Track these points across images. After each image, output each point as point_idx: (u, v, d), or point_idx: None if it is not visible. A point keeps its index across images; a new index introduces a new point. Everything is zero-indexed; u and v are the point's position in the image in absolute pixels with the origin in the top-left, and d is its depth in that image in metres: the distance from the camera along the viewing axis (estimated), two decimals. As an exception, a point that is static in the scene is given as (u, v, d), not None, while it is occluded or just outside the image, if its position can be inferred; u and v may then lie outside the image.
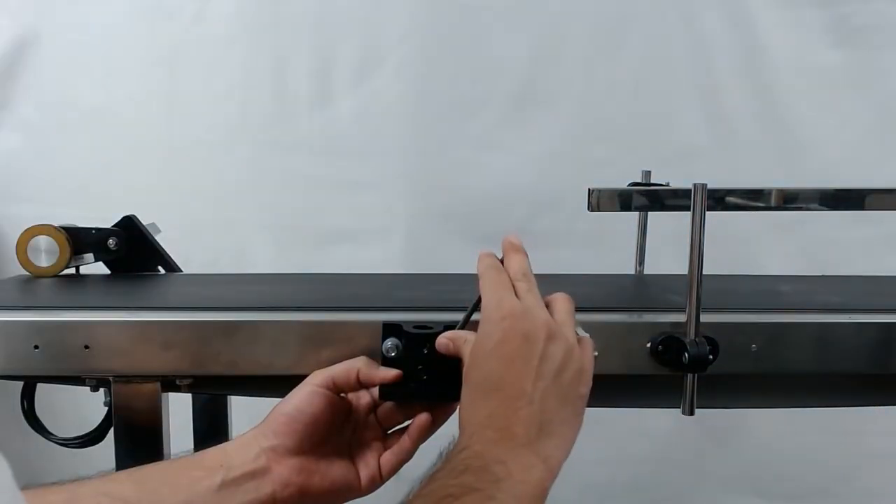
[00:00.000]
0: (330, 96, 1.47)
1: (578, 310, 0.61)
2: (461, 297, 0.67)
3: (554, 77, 1.46)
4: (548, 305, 0.59)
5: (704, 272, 0.63)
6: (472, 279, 0.61)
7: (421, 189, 1.48)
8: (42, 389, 0.73)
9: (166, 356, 0.65)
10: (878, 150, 1.44)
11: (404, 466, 0.63)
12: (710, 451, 1.52)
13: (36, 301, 0.77)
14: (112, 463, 0.65)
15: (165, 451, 0.68)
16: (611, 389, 0.63)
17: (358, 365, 0.62)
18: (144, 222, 0.93)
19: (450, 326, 0.62)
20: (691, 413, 0.64)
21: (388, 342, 0.62)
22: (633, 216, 1.00)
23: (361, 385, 0.62)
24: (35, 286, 0.83)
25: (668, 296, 0.79)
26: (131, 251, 0.91)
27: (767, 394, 0.73)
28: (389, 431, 0.65)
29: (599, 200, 0.68)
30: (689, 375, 0.63)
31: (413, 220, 1.48)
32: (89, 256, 0.89)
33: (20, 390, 0.73)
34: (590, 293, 0.81)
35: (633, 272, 1.00)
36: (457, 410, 0.58)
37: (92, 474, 0.58)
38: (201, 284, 0.88)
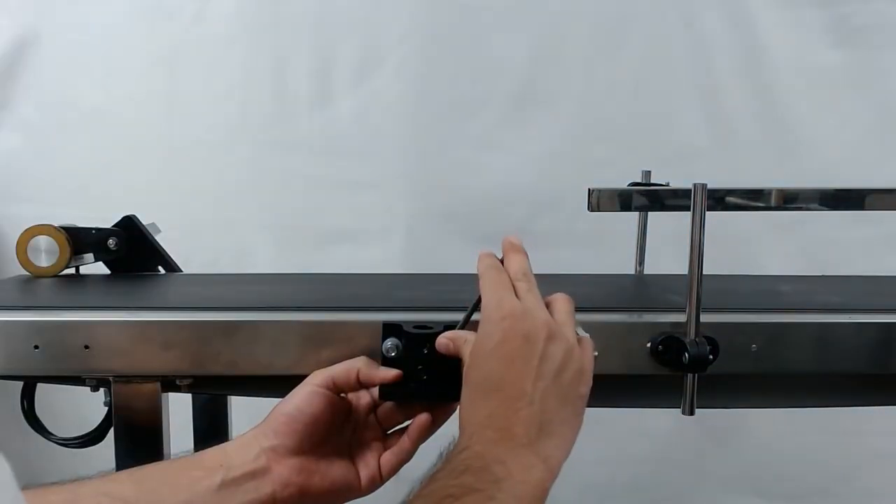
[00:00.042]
0: (330, 96, 1.47)
1: (578, 310, 0.61)
2: (461, 297, 0.67)
3: (554, 77, 1.46)
4: (548, 306, 0.59)
5: (704, 272, 0.63)
6: (472, 279, 0.61)
7: (421, 189, 1.48)
8: (42, 389, 0.73)
9: (166, 356, 0.65)
10: (878, 150, 1.44)
11: (404, 467, 0.63)
12: (710, 451, 1.52)
13: (36, 301, 0.77)
14: (112, 463, 0.65)
15: (165, 451, 0.68)
16: (611, 389, 0.63)
17: (358, 365, 0.62)
18: (144, 222, 0.93)
19: (450, 326, 0.62)
20: (691, 413, 0.64)
21: (388, 342, 0.62)
22: (633, 216, 1.00)
23: (361, 385, 0.62)
24: (35, 286, 0.83)
25: (668, 296, 0.79)
26: (131, 251, 0.91)
27: (767, 394, 0.73)
28: (389, 431, 0.65)
29: (599, 200, 0.68)
30: (689, 375, 0.63)
31: (413, 220, 1.48)
32: (89, 256, 0.89)
33: (20, 390, 0.73)
34: (590, 293, 0.81)
35: (633, 272, 1.00)
36: (457, 411, 0.58)
37: (92, 474, 0.58)
38: (201, 284, 0.88)
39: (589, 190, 0.67)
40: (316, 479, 0.60)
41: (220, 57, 1.46)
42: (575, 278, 0.93)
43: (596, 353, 0.60)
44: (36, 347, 0.64)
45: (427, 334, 0.61)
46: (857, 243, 1.43)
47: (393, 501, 0.55)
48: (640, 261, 1.00)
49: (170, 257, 0.94)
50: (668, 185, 0.80)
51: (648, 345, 0.65)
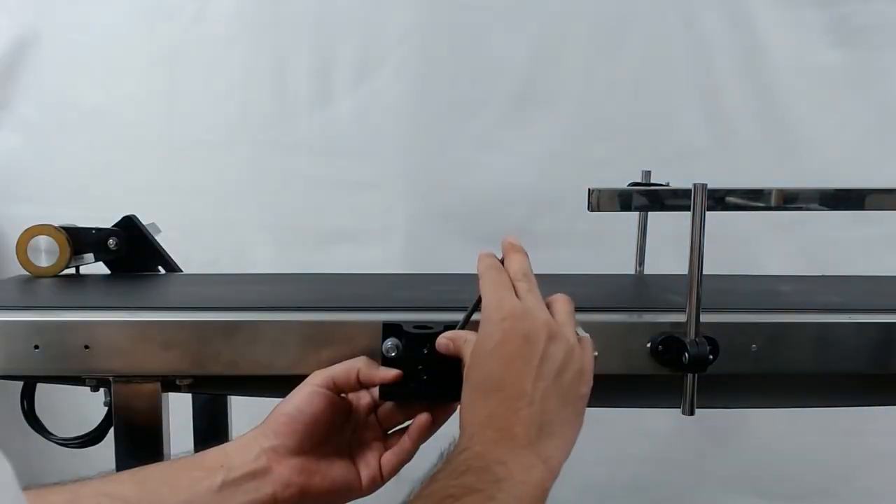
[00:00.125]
0: (330, 96, 1.47)
1: (578, 310, 0.61)
2: (461, 297, 0.67)
3: (554, 77, 1.46)
4: (548, 306, 0.59)
5: (704, 272, 0.63)
6: (472, 279, 0.61)
7: (421, 189, 1.48)
8: (42, 389, 0.73)
9: (166, 356, 0.65)
10: (878, 150, 1.44)
11: (405, 467, 0.63)
12: (710, 451, 1.52)
13: (36, 301, 0.77)
14: (112, 463, 0.65)
15: (165, 451, 0.68)
16: (611, 389, 0.63)
17: (358, 365, 0.62)
18: (144, 222, 0.93)
19: (450, 326, 0.62)
20: (691, 413, 0.64)
21: (388, 342, 0.62)
22: (633, 216, 1.00)
23: (361, 385, 0.62)
24: (35, 286, 0.83)
25: (668, 296, 0.79)
26: (131, 251, 0.91)
27: (767, 394, 0.73)
28: (390, 432, 0.65)
29: (599, 200, 0.68)
30: (689, 375, 0.63)
31: (413, 220, 1.48)
32: (89, 256, 0.89)
33: (20, 390, 0.73)
34: (590, 293, 0.81)
35: (633, 272, 1.00)
36: (457, 411, 0.58)
37: (92, 475, 0.58)
38: (201, 284, 0.88)
39: (589, 190, 0.67)
40: (316, 480, 0.60)
41: (220, 57, 1.46)
42: (575, 278, 0.93)
43: (596, 353, 0.60)
44: (36, 347, 0.64)
45: (427, 334, 0.61)
46: (857, 243, 1.43)
47: (393, 501, 0.55)
48: (640, 261, 1.00)
49: (170, 257, 0.94)
50: (668, 185, 0.80)
51: (648, 345, 0.65)
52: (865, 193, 0.70)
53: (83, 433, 0.73)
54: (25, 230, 0.85)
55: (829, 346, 0.68)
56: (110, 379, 0.66)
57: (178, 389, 0.67)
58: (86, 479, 0.57)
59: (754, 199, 0.68)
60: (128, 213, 0.92)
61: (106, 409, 0.69)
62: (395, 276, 1.06)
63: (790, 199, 0.69)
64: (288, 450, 0.60)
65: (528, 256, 0.62)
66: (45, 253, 0.86)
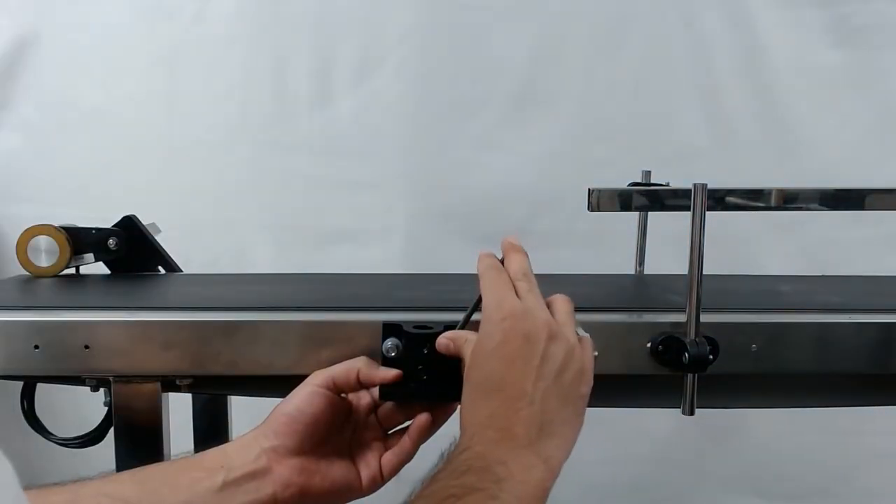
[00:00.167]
0: (330, 96, 1.47)
1: (578, 310, 0.61)
2: (461, 297, 0.67)
3: (554, 77, 1.46)
4: (547, 306, 0.59)
5: (704, 272, 0.63)
6: (472, 279, 0.61)
7: (421, 189, 1.48)
8: (42, 389, 0.73)
9: (166, 356, 0.65)
10: (878, 150, 1.44)
11: (405, 467, 0.63)
12: (710, 451, 1.52)
13: (36, 301, 0.77)
14: (112, 463, 0.65)
15: (165, 451, 0.68)
16: (611, 389, 0.63)
17: (358, 365, 0.62)
18: (144, 222, 0.93)
19: (450, 326, 0.62)
20: (691, 413, 0.64)
21: (388, 342, 0.62)
22: (633, 216, 1.00)
23: (361, 385, 0.62)
24: (35, 286, 0.83)
25: (668, 296, 0.79)
26: (131, 251, 0.91)
27: (767, 394, 0.73)
28: (390, 432, 0.65)
29: (599, 200, 0.68)
30: (689, 375, 0.63)
31: (413, 220, 1.48)
32: (89, 256, 0.89)
33: (20, 390, 0.73)
34: (590, 293, 0.81)
35: (633, 272, 1.00)
36: (457, 411, 0.58)
37: (93, 475, 0.58)
38: (201, 284, 0.88)
39: (589, 190, 0.67)
40: (317, 480, 0.60)
41: (220, 57, 1.46)
42: (575, 278, 0.93)
43: (596, 353, 0.60)
44: (36, 347, 0.64)
45: (427, 334, 0.61)
46: (857, 243, 1.43)
47: (394, 502, 0.55)
48: (640, 261, 1.00)
49: (170, 257, 0.94)
50: (668, 185, 0.80)
51: (648, 345, 0.65)
52: (865, 193, 0.70)
53: (83, 433, 0.73)
54: (25, 230, 0.85)
55: (829, 346, 0.68)
56: (110, 379, 0.66)
57: (178, 389, 0.67)
58: (86, 480, 0.57)
59: (754, 199, 0.68)
60: (128, 213, 0.92)
61: (106, 409, 0.69)
62: (395, 276, 1.06)
63: (790, 199, 0.69)
64: (288, 450, 0.60)
65: (528, 256, 0.62)
66: (45, 253, 0.86)
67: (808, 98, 1.44)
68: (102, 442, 0.72)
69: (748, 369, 0.67)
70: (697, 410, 0.64)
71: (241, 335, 0.65)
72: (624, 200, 0.70)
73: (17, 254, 0.86)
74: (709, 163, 1.43)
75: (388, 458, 0.63)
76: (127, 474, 0.58)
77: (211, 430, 0.90)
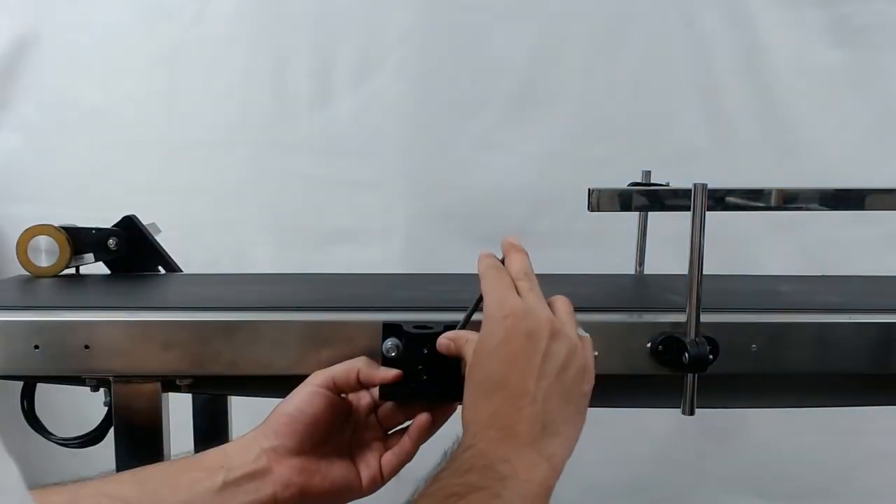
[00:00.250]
0: (330, 96, 1.47)
1: (578, 310, 0.61)
2: (461, 297, 0.67)
3: (554, 77, 1.45)
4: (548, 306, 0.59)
5: (704, 272, 0.63)
6: (472, 279, 0.61)
7: (421, 189, 1.48)
8: (42, 389, 0.73)
9: (166, 356, 0.65)
10: (878, 150, 1.44)
11: (405, 467, 0.63)
12: (710, 451, 1.52)
13: (36, 301, 0.77)
14: (112, 463, 0.65)
15: (165, 451, 0.68)
16: (611, 389, 0.63)
17: (358, 365, 0.62)
18: (144, 222, 0.93)
19: (450, 326, 0.62)
20: (691, 413, 0.64)
21: (388, 342, 0.62)
22: (633, 216, 1.00)
23: (362, 385, 0.62)
24: (35, 286, 0.83)
25: (668, 296, 0.79)
26: (131, 251, 0.91)
27: (767, 394, 0.73)
28: (390, 432, 0.65)
29: (599, 200, 0.68)
30: (689, 375, 0.63)
31: (413, 220, 1.48)
32: (89, 256, 0.89)
33: (20, 390, 0.73)
34: (590, 293, 0.81)
35: (633, 272, 1.00)
36: (457, 411, 0.58)
37: (93, 475, 0.58)
38: (201, 284, 0.88)
39: (589, 190, 0.67)
40: (317, 480, 0.60)
41: (220, 57, 1.46)
42: (575, 278, 0.93)
43: (596, 353, 0.60)
44: (36, 347, 0.64)
45: (427, 334, 0.61)
46: (857, 243, 1.43)
47: (394, 501, 0.55)
48: (640, 261, 1.00)
49: (170, 257, 0.94)
50: (668, 185, 0.80)
51: (648, 345, 0.65)
52: (865, 193, 0.70)
53: (83, 433, 0.73)
54: (25, 230, 0.85)
55: (829, 346, 0.68)
56: (110, 379, 0.66)
57: (178, 389, 0.67)
58: (86, 480, 0.57)
59: (754, 199, 0.68)
60: (128, 213, 0.92)
61: (106, 409, 0.69)
62: (395, 276, 1.06)
63: (790, 199, 0.69)
64: (288, 450, 0.60)
65: (528, 256, 0.62)
66: (45, 253, 0.86)
67: (808, 98, 1.44)
68: (102, 442, 0.72)
69: (748, 369, 0.67)
70: (697, 410, 0.64)
71: (241, 335, 0.65)
72: (624, 200, 0.70)
73: (17, 254, 0.86)
74: (709, 163, 1.43)
75: (388, 458, 0.63)
76: (127, 474, 0.58)
77: (211, 430, 0.90)
